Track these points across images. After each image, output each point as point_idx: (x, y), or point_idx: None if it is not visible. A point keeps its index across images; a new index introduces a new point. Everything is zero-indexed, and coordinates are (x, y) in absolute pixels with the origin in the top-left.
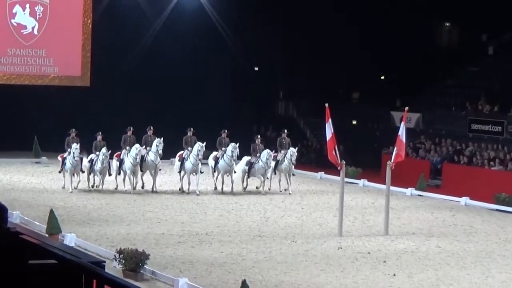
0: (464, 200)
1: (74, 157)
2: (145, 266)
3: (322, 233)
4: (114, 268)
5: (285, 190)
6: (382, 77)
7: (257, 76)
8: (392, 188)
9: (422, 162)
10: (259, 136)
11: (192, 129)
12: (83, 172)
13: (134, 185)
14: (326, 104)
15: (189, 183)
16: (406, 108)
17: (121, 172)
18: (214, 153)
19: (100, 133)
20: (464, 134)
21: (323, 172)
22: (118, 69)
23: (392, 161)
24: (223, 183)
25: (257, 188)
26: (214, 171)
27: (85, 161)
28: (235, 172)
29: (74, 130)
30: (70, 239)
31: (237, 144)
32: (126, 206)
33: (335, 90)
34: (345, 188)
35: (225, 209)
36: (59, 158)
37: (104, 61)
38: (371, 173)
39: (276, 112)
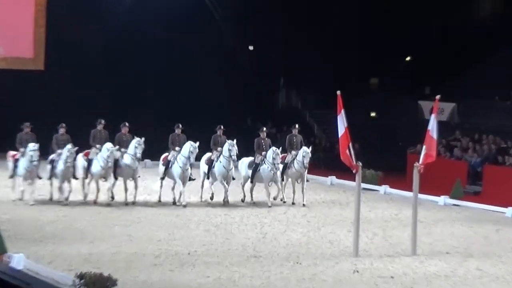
0: (511, 210)
1: (31, 161)
2: None
3: (334, 253)
4: None
5: (301, 203)
6: (408, 58)
7: (253, 58)
8: (420, 196)
9: (457, 163)
10: (264, 129)
11: (180, 125)
12: (40, 178)
13: (111, 194)
14: (338, 92)
15: (181, 193)
16: (438, 97)
17: (88, 175)
18: (208, 154)
19: (64, 125)
20: (510, 128)
21: (334, 176)
22: (79, 50)
23: (420, 162)
24: (227, 192)
25: (274, 198)
26: (208, 177)
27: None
28: (233, 178)
29: (28, 124)
30: (18, 260)
31: (235, 141)
32: (88, 219)
33: (349, 74)
34: (362, 196)
35: (212, 223)
36: (9, 158)
37: (61, 39)
38: (395, 178)
39: (276, 102)
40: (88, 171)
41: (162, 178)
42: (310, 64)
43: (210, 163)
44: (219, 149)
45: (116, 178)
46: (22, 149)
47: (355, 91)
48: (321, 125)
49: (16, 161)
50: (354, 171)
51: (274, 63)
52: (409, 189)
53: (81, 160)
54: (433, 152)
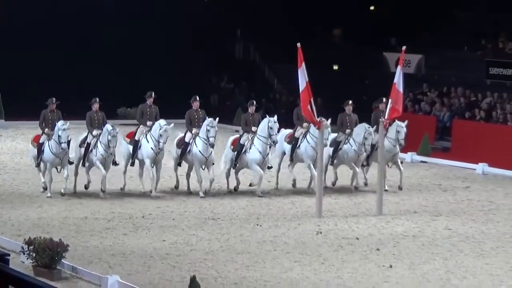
0: (481, 167)
1: (60, 143)
2: (62, 260)
3: (296, 214)
4: (22, 264)
5: (388, 189)
6: (372, 8)
7: (207, 8)
8: None
9: (425, 118)
10: (350, 102)
11: (254, 102)
12: (71, 163)
13: (156, 184)
14: (298, 44)
15: (259, 180)
16: (404, 48)
17: (135, 161)
18: (286, 131)
19: (97, 99)
20: (480, 81)
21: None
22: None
23: (386, 117)
24: (311, 177)
25: (332, 184)
26: (291, 160)
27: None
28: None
29: (54, 100)
30: None
31: (329, 121)
32: (37, 182)
33: (310, 25)
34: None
35: (167, 185)
36: (33, 143)
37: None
38: None
39: (232, 55)
40: (135, 156)
41: (235, 165)
42: (268, 14)
43: (294, 142)
44: (305, 125)
45: (180, 165)
46: (46, 130)
47: (316, 43)
48: (281, 79)
49: (40, 145)
50: (316, 128)
51: (230, 13)
52: None
53: (124, 144)
54: (399, 107)
